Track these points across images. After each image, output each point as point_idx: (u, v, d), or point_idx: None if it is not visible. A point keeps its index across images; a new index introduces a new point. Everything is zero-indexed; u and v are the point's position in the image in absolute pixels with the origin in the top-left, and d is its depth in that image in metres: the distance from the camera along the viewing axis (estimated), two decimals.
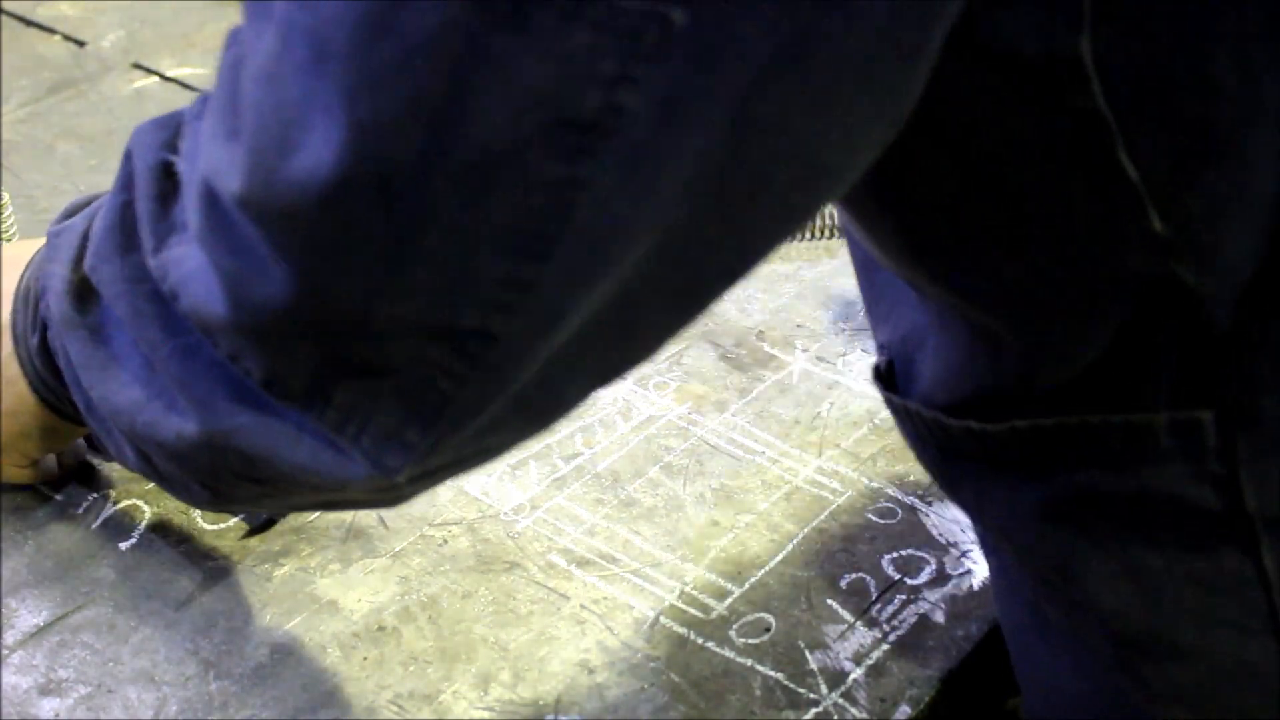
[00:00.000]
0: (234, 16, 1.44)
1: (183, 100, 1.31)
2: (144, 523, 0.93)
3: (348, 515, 0.93)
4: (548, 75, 0.51)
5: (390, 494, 0.67)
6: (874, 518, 0.95)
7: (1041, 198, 0.61)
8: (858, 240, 0.75)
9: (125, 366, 0.73)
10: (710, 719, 0.82)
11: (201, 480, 0.73)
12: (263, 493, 0.73)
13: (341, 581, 0.90)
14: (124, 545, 0.92)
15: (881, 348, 0.78)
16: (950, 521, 0.94)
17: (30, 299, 0.83)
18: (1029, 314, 0.66)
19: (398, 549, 0.92)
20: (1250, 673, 0.69)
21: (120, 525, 0.93)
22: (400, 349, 0.59)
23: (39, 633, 0.86)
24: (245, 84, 0.56)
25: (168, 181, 0.68)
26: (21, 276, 0.85)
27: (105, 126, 1.29)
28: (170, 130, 0.69)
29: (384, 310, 0.58)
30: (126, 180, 0.70)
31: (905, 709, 0.83)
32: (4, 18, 1.43)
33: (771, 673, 0.85)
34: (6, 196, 1.13)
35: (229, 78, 0.59)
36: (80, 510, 0.94)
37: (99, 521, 0.93)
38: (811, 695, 0.83)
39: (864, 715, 0.82)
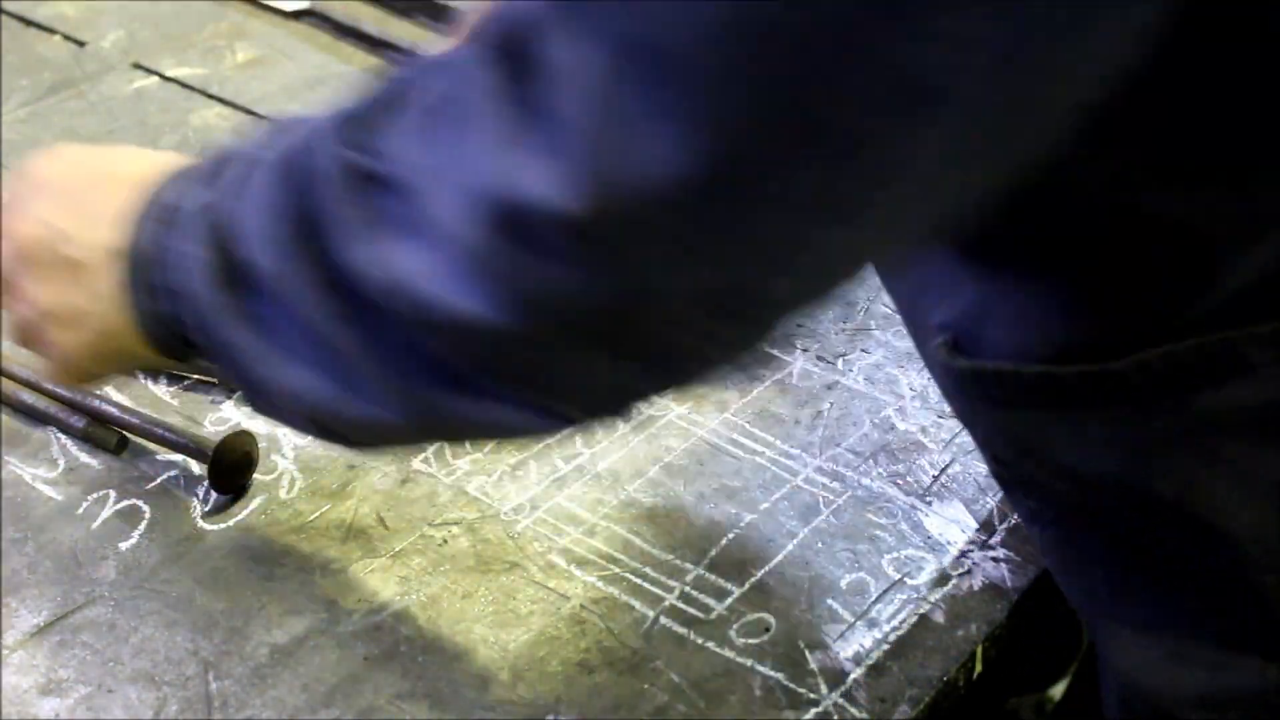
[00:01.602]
0: (234, 16, 1.42)
1: (183, 100, 1.31)
2: (144, 523, 0.93)
3: (348, 515, 0.93)
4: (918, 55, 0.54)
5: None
6: (874, 517, 0.95)
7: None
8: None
9: (296, 354, 0.71)
10: (710, 719, 0.82)
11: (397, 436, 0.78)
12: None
13: (341, 581, 0.90)
14: (124, 545, 0.92)
15: (943, 328, 0.78)
16: (950, 521, 0.94)
17: (146, 257, 0.76)
18: (1190, 257, 0.68)
19: (398, 549, 0.91)
20: None
21: (120, 525, 0.93)
22: (679, 325, 0.63)
23: (39, 633, 0.86)
24: (559, 97, 0.57)
25: (357, 178, 0.66)
26: (139, 218, 0.76)
27: (105, 126, 1.29)
28: (349, 127, 0.66)
29: (686, 291, 0.61)
30: (299, 171, 0.68)
31: (905, 709, 0.83)
32: (4, 18, 1.43)
33: (771, 673, 0.85)
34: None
35: (510, 90, 0.59)
36: (80, 510, 0.94)
37: (99, 521, 0.93)
38: (811, 695, 0.83)
39: (864, 715, 0.82)
